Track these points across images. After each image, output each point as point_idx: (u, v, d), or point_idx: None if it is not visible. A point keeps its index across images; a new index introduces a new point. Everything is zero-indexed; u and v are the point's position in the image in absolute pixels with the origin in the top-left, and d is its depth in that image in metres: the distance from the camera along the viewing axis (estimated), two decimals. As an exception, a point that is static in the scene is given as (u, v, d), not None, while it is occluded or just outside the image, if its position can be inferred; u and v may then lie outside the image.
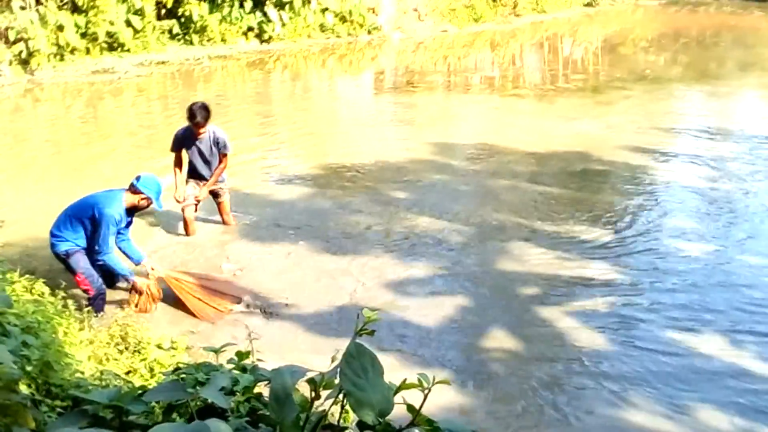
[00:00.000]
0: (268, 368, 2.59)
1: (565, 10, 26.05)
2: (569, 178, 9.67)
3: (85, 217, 5.81)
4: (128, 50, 16.32)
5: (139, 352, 4.91)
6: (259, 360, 2.61)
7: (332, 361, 2.87)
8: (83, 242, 5.84)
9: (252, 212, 8.31)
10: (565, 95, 14.65)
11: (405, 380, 1.78)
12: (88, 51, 15.69)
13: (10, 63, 14.28)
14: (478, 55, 20.23)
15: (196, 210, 7.61)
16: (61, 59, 15.18)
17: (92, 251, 5.83)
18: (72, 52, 15.32)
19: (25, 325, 3.97)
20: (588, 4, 27.09)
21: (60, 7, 15.15)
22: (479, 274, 7.01)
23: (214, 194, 7.69)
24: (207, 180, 7.48)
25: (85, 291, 5.78)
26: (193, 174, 7.53)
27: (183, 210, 7.49)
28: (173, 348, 5.03)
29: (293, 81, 16.73)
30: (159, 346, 5.05)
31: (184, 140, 7.38)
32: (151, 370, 4.58)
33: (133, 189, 5.95)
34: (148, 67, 16.04)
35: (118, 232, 5.93)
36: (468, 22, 22.94)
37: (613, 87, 15.19)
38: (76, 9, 15.42)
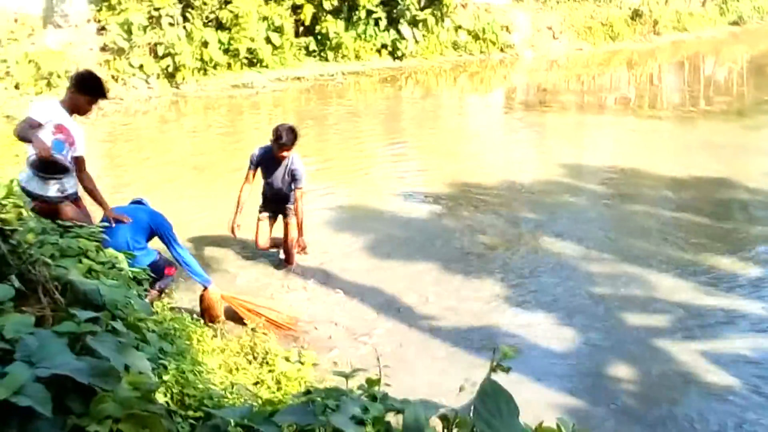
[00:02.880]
0: (393, 391, 2.57)
1: (708, 28, 24.95)
2: (711, 206, 9.20)
3: (143, 228, 5.75)
4: (266, 66, 16.88)
5: (267, 363, 5.02)
6: (386, 384, 2.58)
7: (460, 390, 2.81)
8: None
9: (376, 228, 8.34)
10: (708, 118, 14.01)
11: (541, 424, 1.70)
12: (229, 66, 16.35)
13: (158, 77, 15.07)
14: (613, 75, 19.68)
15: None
16: (204, 74, 15.88)
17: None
18: (214, 67, 16.00)
19: (162, 331, 4.14)
20: (734, 23, 25.84)
21: (205, 24, 15.87)
22: (608, 303, 6.74)
23: (282, 213, 7.26)
24: (275, 210, 7.19)
25: (169, 274, 5.89)
26: (265, 204, 7.24)
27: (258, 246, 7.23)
28: (300, 362, 5.09)
29: (424, 98, 16.81)
30: (287, 359, 5.14)
31: (263, 160, 7.01)
32: (278, 383, 4.66)
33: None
34: (284, 83, 16.55)
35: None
36: (604, 41, 22.37)
37: (761, 111, 14.39)
38: (220, 26, 16.11)
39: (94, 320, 2.73)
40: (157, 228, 5.70)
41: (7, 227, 3.44)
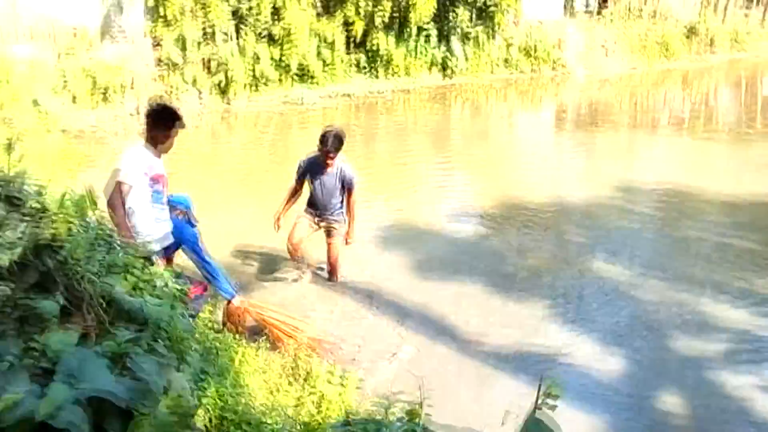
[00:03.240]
0: (432, 416, 2.52)
1: (767, 47, 24.36)
2: (767, 230, 8.93)
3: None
4: (317, 81, 17.01)
5: (309, 384, 4.98)
6: (428, 406, 2.52)
7: (503, 422, 2.74)
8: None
9: (421, 247, 8.28)
10: (765, 139, 13.64)
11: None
12: (280, 81, 16.52)
13: (210, 91, 15.31)
14: (667, 94, 19.35)
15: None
16: (256, 89, 16.08)
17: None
18: (266, 82, 16.18)
19: (204, 350, 4.14)
20: (794, 42, 25.22)
21: (258, 40, 16.07)
22: (657, 329, 6.55)
23: (327, 231, 7.14)
24: (321, 217, 7.03)
25: (200, 293, 5.82)
26: (311, 205, 7.08)
27: (289, 242, 7.01)
28: (342, 384, 5.05)
29: (473, 115, 16.74)
30: (329, 380, 5.10)
31: (311, 169, 6.90)
32: (319, 405, 4.63)
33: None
34: (334, 99, 16.64)
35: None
36: (659, 59, 22.03)
37: (821, 132, 13.97)
38: (272, 41, 16.30)
39: (135, 339, 2.75)
40: (180, 239, 5.66)
41: (55, 243, 3.48)
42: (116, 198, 4.98)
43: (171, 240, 5.43)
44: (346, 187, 6.88)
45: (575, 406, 5.31)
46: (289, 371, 4.97)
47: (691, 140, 14.05)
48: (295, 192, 7.07)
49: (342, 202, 7.03)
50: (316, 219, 7.10)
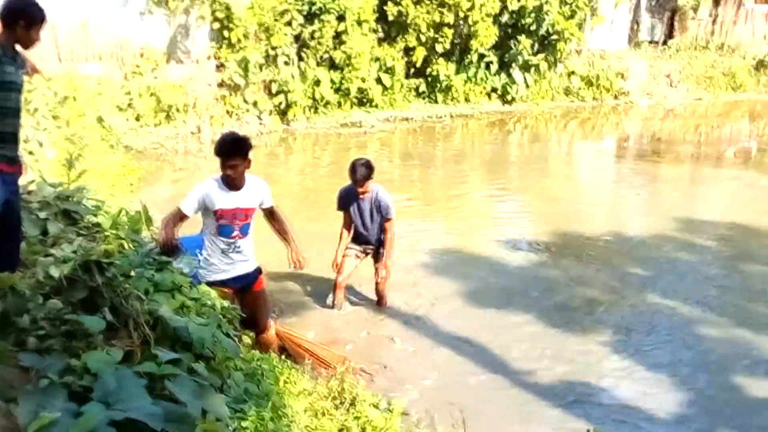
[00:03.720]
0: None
1: (840, 80, 23.63)
2: (836, 270, 8.57)
3: None
4: (376, 106, 17.11)
5: (354, 407, 4.92)
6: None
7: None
8: None
9: (472, 274, 8.16)
10: (836, 176, 13.17)
11: None
12: (339, 105, 16.66)
13: (270, 113, 15.51)
14: (734, 127, 18.88)
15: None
16: (315, 111, 16.24)
17: None
18: (325, 105, 16.34)
19: (250, 371, 4.12)
20: None
21: (319, 64, 16.25)
22: (717, 369, 6.28)
23: (374, 257, 7.15)
24: (368, 244, 7.07)
25: None
26: (355, 239, 7.10)
27: (337, 278, 7.04)
28: (389, 410, 4.97)
29: (532, 143, 16.56)
30: (375, 406, 5.03)
31: (348, 199, 6.94)
32: (363, 430, 4.55)
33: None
34: (392, 123, 16.70)
35: None
36: (725, 91, 21.57)
37: None
38: (333, 66, 16.46)
39: (176, 361, 2.73)
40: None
41: (104, 260, 3.51)
42: (170, 218, 5.04)
43: (248, 280, 5.44)
44: (383, 214, 6.89)
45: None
46: (335, 395, 4.90)
47: (758, 175, 13.63)
48: (347, 226, 7.07)
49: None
50: (363, 249, 7.13)
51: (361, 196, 6.81)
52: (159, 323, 3.45)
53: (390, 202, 6.89)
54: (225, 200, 5.15)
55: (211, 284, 4.93)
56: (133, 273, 3.79)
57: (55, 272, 3.67)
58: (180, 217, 5.06)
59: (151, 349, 3.01)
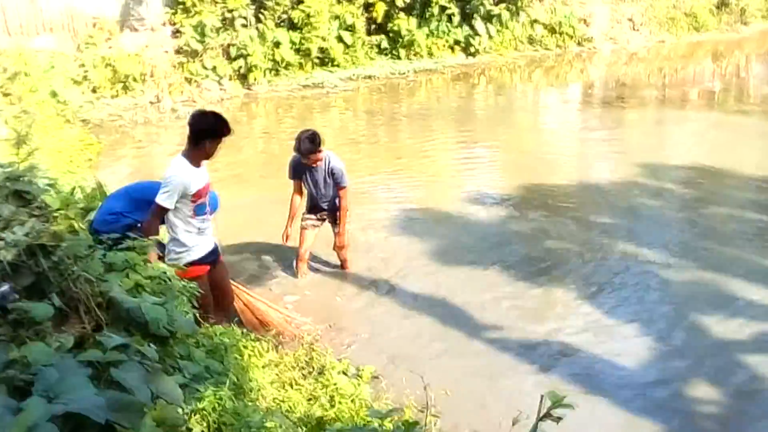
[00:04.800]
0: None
1: (801, 16, 23.72)
2: (801, 207, 8.64)
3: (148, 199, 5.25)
4: (338, 65, 16.83)
5: (323, 375, 4.87)
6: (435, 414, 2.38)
7: (513, 423, 2.59)
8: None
9: (442, 232, 8.11)
10: (800, 112, 13.25)
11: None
12: (300, 66, 16.36)
13: (231, 78, 15.21)
14: (697, 68, 18.89)
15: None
16: (276, 74, 15.95)
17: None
18: (286, 67, 16.04)
19: (212, 347, 4.03)
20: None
21: (277, 25, 15.93)
22: (686, 313, 6.32)
23: (331, 222, 7.02)
24: (323, 211, 6.94)
25: None
26: (310, 209, 6.98)
27: (299, 250, 6.97)
28: (358, 376, 4.93)
29: (497, 95, 16.45)
30: (344, 372, 4.99)
31: (298, 167, 6.78)
32: (332, 398, 4.51)
33: None
34: (355, 82, 16.47)
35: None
36: (688, 32, 21.56)
37: None
38: (292, 26, 16.14)
39: (123, 346, 2.63)
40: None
41: (49, 243, 3.38)
42: (155, 222, 4.88)
43: (216, 253, 5.30)
44: (335, 181, 6.73)
45: (602, 394, 5.15)
46: (303, 364, 4.85)
47: (722, 115, 13.71)
48: (298, 193, 6.92)
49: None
50: (319, 217, 7.01)
51: (314, 165, 6.65)
52: (111, 305, 3.35)
53: (343, 169, 6.73)
54: (198, 180, 4.95)
55: (190, 264, 4.83)
56: (83, 254, 3.66)
57: (6, 256, 3.54)
58: (162, 214, 4.89)
59: (102, 334, 2.91)
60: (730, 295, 6.61)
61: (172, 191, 4.80)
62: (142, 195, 5.31)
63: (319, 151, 6.55)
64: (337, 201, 6.86)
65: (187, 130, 4.85)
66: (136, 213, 5.24)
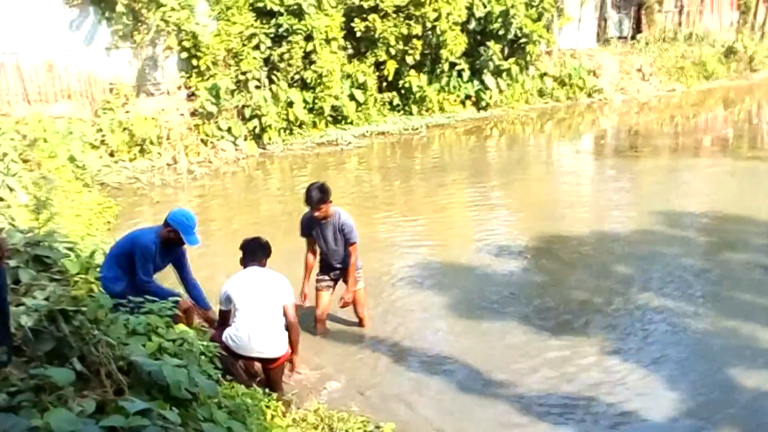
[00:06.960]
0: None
1: (809, 62, 23.85)
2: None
3: (123, 253, 5.56)
4: (351, 122, 17.04)
5: (345, 434, 4.81)
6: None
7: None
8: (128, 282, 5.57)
9: (459, 284, 8.06)
10: (814, 157, 13.22)
11: None
12: (314, 124, 16.57)
13: (246, 138, 15.39)
14: (709, 115, 18.97)
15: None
16: (290, 133, 16.14)
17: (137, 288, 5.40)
18: (300, 126, 16.24)
19: (234, 407, 4.00)
20: (838, 55, 24.63)
21: (290, 85, 16.17)
22: (710, 361, 6.22)
23: (345, 281, 6.89)
24: (335, 270, 6.87)
25: None
26: (324, 265, 6.92)
27: (316, 312, 6.91)
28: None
29: (509, 147, 16.55)
30: (364, 430, 4.92)
31: (309, 223, 6.76)
32: (354, 458, 4.45)
33: (164, 222, 5.72)
34: (369, 138, 16.63)
35: (155, 268, 5.69)
36: (698, 80, 21.72)
37: None
38: (304, 86, 16.39)
39: (144, 412, 2.62)
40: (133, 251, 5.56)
41: (70, 307, 3.40)
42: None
43: None
44: (346, 238, 6.70)
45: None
46: (325, 425, 4.79)
47: (736, 162, 13.69)
48: (312, 252, 6.90)
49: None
50: (332, 276, 6.95)
51: (323, 221, 6.65)
52: (133, 369, 3.34)
53: (353, 225, 6.72)
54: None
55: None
56: (104, 318, 3.67)
57: (26, 322, 3.56)
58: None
59: (124, 398, 2.90)
60: (759, 345, 6.48)
61: None
62: (119, 250, 5.60)
63: (330, 202, 6.56)
64: (347, 261, 6.81)
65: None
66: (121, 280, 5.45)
